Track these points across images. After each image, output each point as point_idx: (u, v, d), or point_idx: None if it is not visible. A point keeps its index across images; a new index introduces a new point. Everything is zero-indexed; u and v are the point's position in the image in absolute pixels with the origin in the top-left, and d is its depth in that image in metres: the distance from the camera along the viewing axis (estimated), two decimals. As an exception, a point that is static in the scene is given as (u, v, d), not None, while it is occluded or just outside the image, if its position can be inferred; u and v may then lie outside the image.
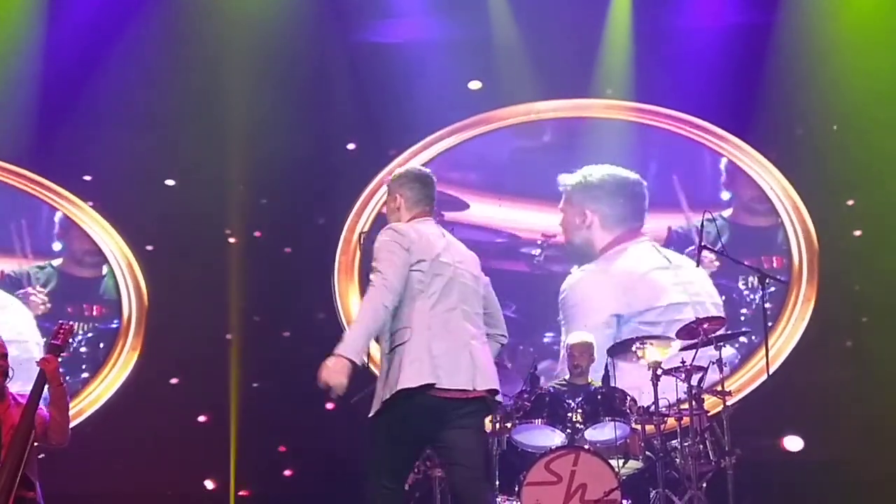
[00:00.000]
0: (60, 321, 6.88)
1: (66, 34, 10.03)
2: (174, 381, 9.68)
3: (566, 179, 10.03)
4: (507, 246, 10.19)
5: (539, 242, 10.09)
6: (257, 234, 10.07)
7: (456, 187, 10.20)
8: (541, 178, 10.22)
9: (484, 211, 10.22)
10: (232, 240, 9.97)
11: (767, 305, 8.22)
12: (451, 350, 5.20)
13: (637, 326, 9.56)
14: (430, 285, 5.27)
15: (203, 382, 9.54)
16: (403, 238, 5.24)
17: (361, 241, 9.30)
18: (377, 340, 5.35)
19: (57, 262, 10.19)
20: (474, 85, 10.27)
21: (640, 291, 9.81)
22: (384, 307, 5.17)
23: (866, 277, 9.53)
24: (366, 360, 5.12)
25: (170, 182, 10.06)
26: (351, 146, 10.23)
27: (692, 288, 9.75)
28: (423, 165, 8.73)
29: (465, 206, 10.17)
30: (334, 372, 5.10)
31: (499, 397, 5.44)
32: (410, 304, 5.25)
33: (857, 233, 9.76)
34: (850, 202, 9.77)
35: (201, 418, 9.66)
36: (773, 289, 9.19)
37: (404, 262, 5.20)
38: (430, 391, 5.10)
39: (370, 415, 5.29)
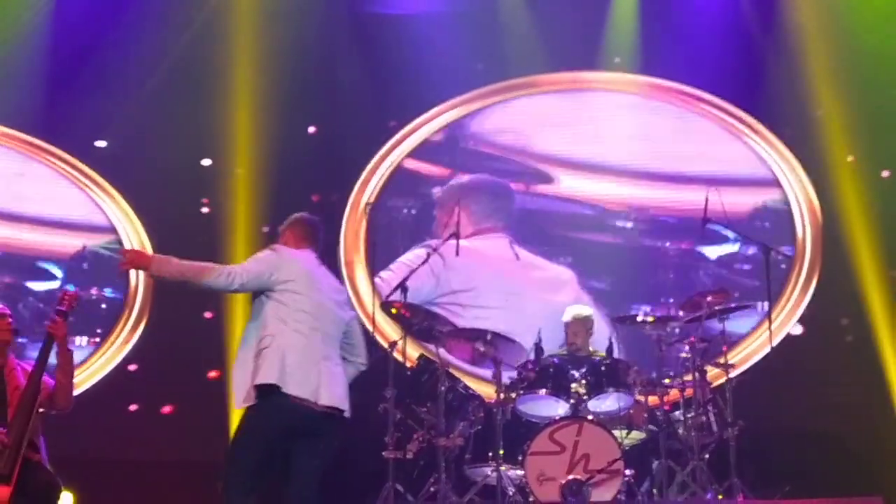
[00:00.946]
0: (64, 288, 6.97)
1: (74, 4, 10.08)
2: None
3: (438, 189, 10.28)
4: (597, 218, 10.37)
5: (630, 215, 10.24)
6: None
7: (541, 160, 10.39)
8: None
9: (572, 183, 10.40)
10: (205, 209, 10.03)
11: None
12: (304, 364, 5.83)
13: (444, 305, 9.84)
14: (297, 304, 5.95)
15: (203, 356, 9.60)
16: (276, 258, 6.00)
17: (368, 212, 9.29)
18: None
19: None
20: None
21: (459, 274, 9.96)
22: (224, 279, 5.94)
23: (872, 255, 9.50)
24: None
25: (206, 162, 10.14)
26: (311, 129, 10.24)
27: (536, 284, 10.00)
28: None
29: (551, 179, 10.41)
30: (140, 258, 6.22)
31: (346, 414, 6.00)
32: (276, 317, 5.94)
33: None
34: (886, 173, 9.86)
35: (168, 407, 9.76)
36: (783, 266, 9.32)
37: (262, 274, 5.94)
38: (283, 391, 5.76)
39: (236, 407, 6.03)
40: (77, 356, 7.68)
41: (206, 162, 10.03)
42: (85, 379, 9.59)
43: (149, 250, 9.71)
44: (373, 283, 9.22)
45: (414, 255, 9.83)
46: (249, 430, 5.98)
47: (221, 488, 5.98)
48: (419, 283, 9.51)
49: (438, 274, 9.88)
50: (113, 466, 8.86)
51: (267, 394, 5.81)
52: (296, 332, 5.92)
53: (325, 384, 5.88)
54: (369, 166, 10.17)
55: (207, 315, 9.62)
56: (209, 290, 6.21)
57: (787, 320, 9.54)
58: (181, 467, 9.26)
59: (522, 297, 9.76)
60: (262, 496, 6.04)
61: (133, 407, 9.65)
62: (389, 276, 9.77)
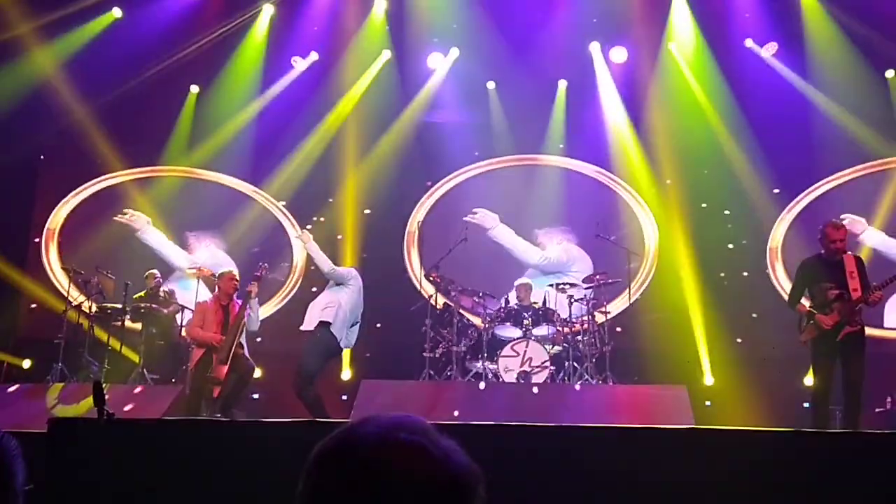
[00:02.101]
0: (260, 263, 7.04)
1: (276, 102, 9.85)
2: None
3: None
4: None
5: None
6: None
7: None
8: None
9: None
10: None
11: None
12: (344, 324, 6.34)
13: (572, 273, 9.19)
14: (352, 297, 6.44)
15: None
16: (353, 273, 6.68)
17: (420, 228, 9.31)
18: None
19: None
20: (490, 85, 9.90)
21: (579, 259, 9.48)
22: (329, 268, 6.52)
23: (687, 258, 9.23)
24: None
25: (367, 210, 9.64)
26: (367, 211, 9.59)
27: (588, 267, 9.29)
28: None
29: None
30: (306, 237, 6.76)
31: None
32: (339, 297, 6.37)
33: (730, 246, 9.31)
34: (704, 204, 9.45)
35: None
36: (634, 263, 8.90)
37: (345, 277, 6.52)
38: (331, 329, 6.24)
39: (302, 328, 6.46)
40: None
41: (330, 199, 9.66)
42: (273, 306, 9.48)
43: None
44: (423, 266, 8.91)
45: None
46: (315, 346, 6.30)
47: (298, 376, 6.21)
48: (566, 260, 9.32)
49: (571, 257, 9.35)
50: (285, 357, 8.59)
51: (324, 326, 6.20)
52: (346, 308, 6.33)
53: (346, 338, 6.41)
54: (419, 204, 9.86)
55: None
56: (320, 269, 6.52)
57: (639, 289, 9.21)
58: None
59: (584, 273, 8.84)
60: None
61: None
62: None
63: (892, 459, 3.60)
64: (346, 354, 8.41)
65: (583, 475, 3.55)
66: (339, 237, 9.36)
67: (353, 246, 9.27)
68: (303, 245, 7.16)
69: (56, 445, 3.76)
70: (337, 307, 6.30)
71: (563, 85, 9.84)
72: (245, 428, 4.43)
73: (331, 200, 9.62)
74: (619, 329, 8.72)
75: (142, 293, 8.28)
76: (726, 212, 9.35)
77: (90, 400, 3.72)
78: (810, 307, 5.77)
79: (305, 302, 6.94)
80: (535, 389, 6.85)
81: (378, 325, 8.70)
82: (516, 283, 8.43)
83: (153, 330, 8.11)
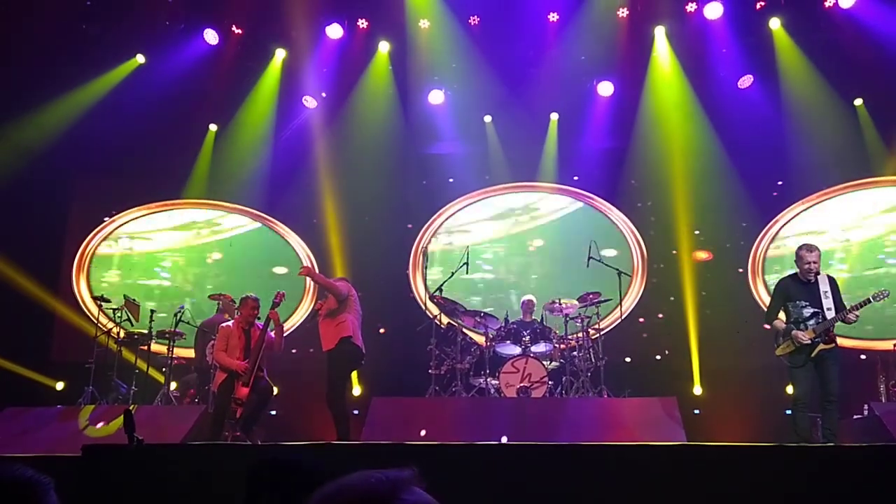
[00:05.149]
0: (277, 291, 6.97)
1: (289, 138, 9.96)
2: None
3: None
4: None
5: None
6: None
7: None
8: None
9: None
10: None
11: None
12: (359, 334, 6.40)
13: None
14: (355, 307, 6.47)
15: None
16: (349, 287, 6.56)
17: (424, 253, 9.29)
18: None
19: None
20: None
21: None
22: (334, 290, 6.44)
23: (673, 276, 9.35)
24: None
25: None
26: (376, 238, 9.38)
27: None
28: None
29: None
30: (307, 270, 6.84)
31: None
32: (346, 311, 6.41)
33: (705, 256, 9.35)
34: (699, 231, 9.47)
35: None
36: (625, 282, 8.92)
37: (343, 293, 6.43)
38: (352, 341, 6.28)
39: (324, 349, 6.33)
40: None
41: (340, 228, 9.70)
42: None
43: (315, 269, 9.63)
44: (426, 289, 8.87)
45: None
46: (342, 361, 6.25)
47: (331, 391, 6.07)
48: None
49: None
50: (297, 375, 8.29)
51: (345, 342, 6.21)
52: (354, 319, 6.36)
53: (362, 346, 6.40)
54: (423, 230, 9.90)
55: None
56: (331, 293, 6.44)
57: (630, 306, 9.02)
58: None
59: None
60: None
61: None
62: None
63: (869, 471, 3.62)
64: (354, 374, 8.43)
65: (575, 492, 3.56)
66: (349, 265, 9.34)
67: (362, 270, 9.12)
68: (308, 279, 7.18)
69: (90, 470, 3.80)
70: (349, 321, 6.38)
71: (554, 117, 9.89)
72: (268, 451, 4.45)
73: (341, 229, 9.62)
74: (610, 343, 8.56)
75: (189, 321, 8.07)
76: (732, 223, 9.30)
77: (119, 420, 3.76)
78: (787, 323, 5.81)
79: (316, 323, 6.88)
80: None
81: (386, 345, 8.67)
82: (522, 298, 8.36)
83: (178, 353, 8.08)
